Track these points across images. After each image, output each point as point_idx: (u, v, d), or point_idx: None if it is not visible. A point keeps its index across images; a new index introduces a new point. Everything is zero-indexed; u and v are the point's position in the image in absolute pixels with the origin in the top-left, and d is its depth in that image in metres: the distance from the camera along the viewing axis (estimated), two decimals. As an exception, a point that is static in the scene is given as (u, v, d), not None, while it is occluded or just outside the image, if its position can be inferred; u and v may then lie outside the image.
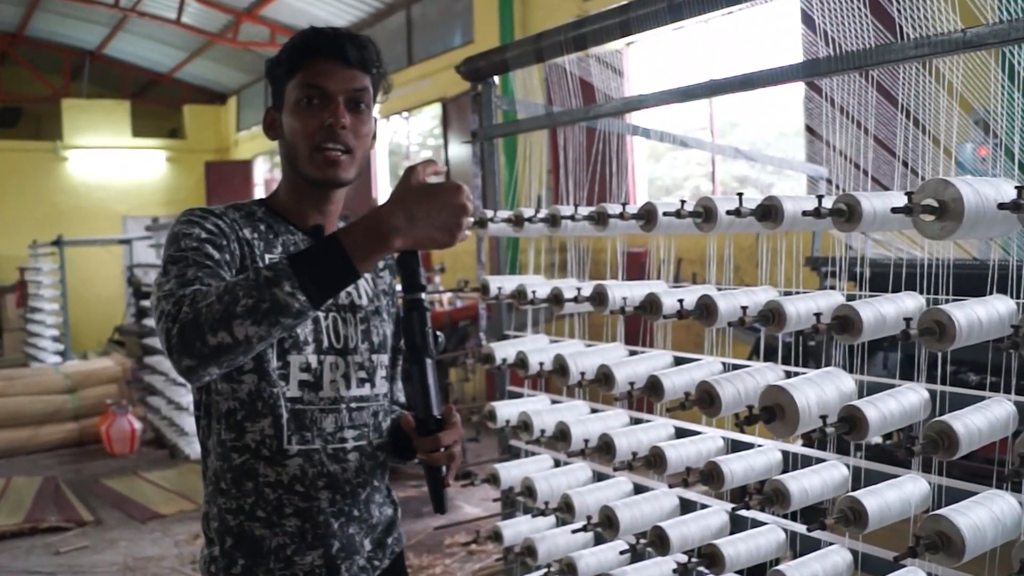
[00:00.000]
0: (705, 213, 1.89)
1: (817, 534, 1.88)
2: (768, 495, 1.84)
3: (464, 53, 3.52)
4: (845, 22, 2.04)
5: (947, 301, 1.67)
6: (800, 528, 2.00)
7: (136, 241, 11.88)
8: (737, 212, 1.80)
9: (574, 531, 2.24)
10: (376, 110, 1.78)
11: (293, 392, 1.70)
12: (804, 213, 1.69)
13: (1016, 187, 1.47)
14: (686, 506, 2.24)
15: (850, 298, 1.80)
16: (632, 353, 2.43)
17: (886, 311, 1.69)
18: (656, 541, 2.03)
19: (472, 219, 1.54)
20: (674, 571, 1.99)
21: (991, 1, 1.82)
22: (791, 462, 2.08)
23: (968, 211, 1.46)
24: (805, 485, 1.86)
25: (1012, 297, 1.70)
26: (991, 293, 1.70)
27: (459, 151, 11.04)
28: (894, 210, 1.53)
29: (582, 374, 2.28)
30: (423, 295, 1.63)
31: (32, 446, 8.19)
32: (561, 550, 2.37)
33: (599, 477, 2.51)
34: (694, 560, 1.95)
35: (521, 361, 2.49)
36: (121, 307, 14.24)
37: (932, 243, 1.80)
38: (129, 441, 8.08)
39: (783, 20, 6.01)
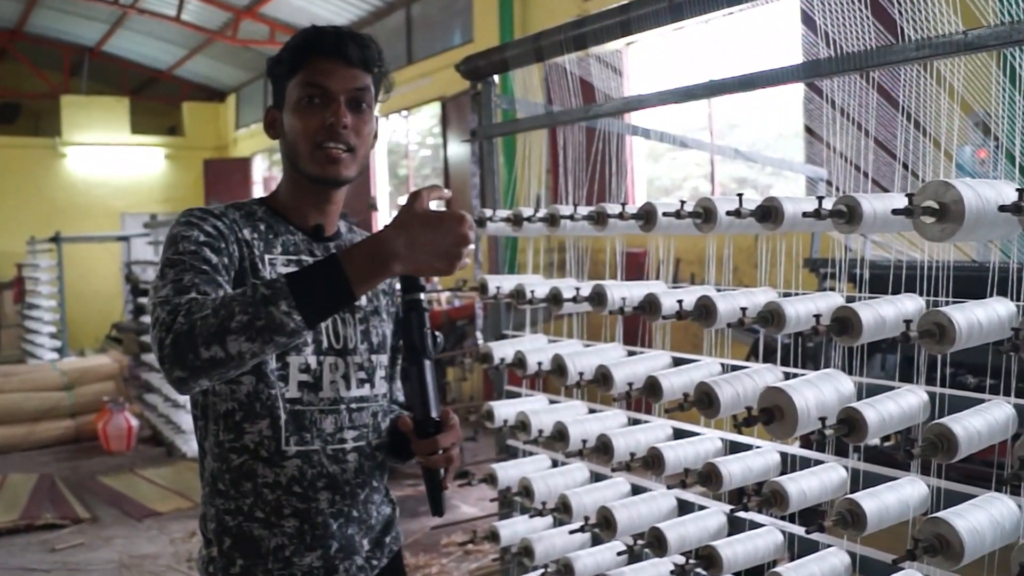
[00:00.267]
0: (705, 214, 1.88)
1: (815, 536, 1.88)
2: (766, 497, 1.84)
3: (464, 52, 3.52)
4: (846, 23, 2.03)
5: (947, 303, 1.66)
6: (798, 530, 2.00)
7: (134, 238, 11.87)
8: (737, 213, 1.79)
9: (571, 531, 2.23)
10: (376, 108, 1.77)
11: (292, 393, 1.69)
12: (804, 214, 1.69)
13: (1017, 189, 1.47)
14: (684, 507, 2.24)
15: (849, 300, 1.79)
16: (630, 353, 2.42)
17: (886, 313, 1.68)
18: (654, 542, 2.03)
19: (473, 247, 1.54)
20: (672, 572, 1.99)
21: (992, 3, 1.81)
22: (789, 464, 2.07)
23: (969, 213, 1.45)
24: (803, 487, 1.86)
25: (1012, 300, 1.69)
26: (991, 295, 1.70)
27: (458, 150, 11.03)
28: (895, 212, 1.53)
29: (580, 374, 2.28)
30: (422, 296, 1.63)
31: (28, 443, 8.18)
32: (558, 550, 2.37)
33: (597, 477, 2.50)
34: (692, 561, 1.95)
35: (519, 361, 2.48)
36: (119, 304, 14.22)
37: (931, 245, 1.80)
38: (126, 438, 8.07)
39: (783, 21, 6.00)
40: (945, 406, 1.75)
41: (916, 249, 2.95)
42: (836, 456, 1.99)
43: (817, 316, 1.71)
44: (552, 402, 2.71)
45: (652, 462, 2.10)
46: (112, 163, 17.76)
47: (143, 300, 8.74)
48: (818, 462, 2.00)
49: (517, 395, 2.84)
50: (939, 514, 1.55)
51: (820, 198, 1.66)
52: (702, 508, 2.19)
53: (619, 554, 2.20)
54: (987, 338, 1.61)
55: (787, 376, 2.02)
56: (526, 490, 2.42)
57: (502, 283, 2.59)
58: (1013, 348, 1.52)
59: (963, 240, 1.57)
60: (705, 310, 1.94)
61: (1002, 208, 1.47)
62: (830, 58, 1.96)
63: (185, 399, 7.27)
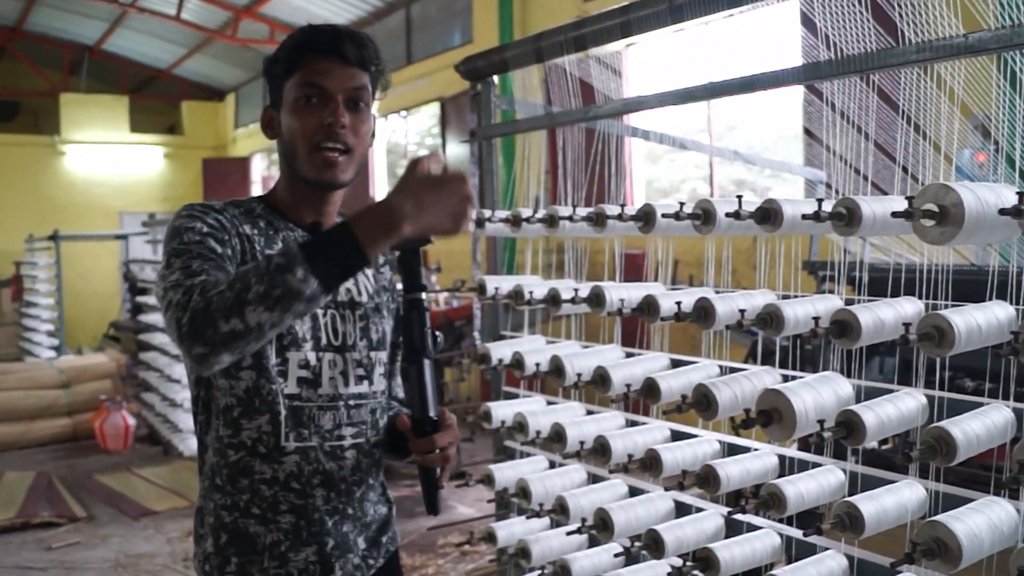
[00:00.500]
0: (704, 215, 1.88)
1: (813, 539, 1.88)
2: (764, 499, 1.84)
3: (463, 53, 3.51)
4: (846, 25, 2.03)
5: (946, 306, 1.66)
6: (796, 533, 2.00)
7: (133, 237, 11.85)
8: (736, 215, 1.79)
9: (568, 533, 2.23)
10: (375, 107, 1.77)
11: (292, 389, 1.69)
12: (804, 216, 1.69)
13: (1017, 193, 1.47)
14: (681, 509, 2.23)
15: (848, 302, 1.79)
16: (629, 355, 2.42)
17: (885, 316, 1.68)
18: (651, 544, 2.03)
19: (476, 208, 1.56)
20: (669, 574, 1.98)
21: (993, 6, 1.81)
22: (787, 466, 2.07)
23: (969, 216, 1.45)
24: (801, 489, 1.86)
25: (1011, 303, 1.69)
26: (990, 299, 1.69)
27: (457, 151, 11.03)
28: (894, 214, 1.52)
29: (578, 375, 2.27)
30: (423, 295, 1.62)
31: (25, 441, 8.16)
32: (555, 552, 2.36)
33: (594, 479, 2.50)
34: (689, 564, 1.94)
35: (517, 362, 2.48)
36: (117, 303, 14.22)
37: (930, 248, 1.80)
38: (123, 437, 8.06)
39: (783, 23, 6.00)
40: (944, 409, 1.75)
41: (915, 252, 2.95)
42: (834, 459, 1.99)
43: (816, 319, 1.70)
44: (550, 403, 2.70)
45: (650, 464, 2.10)
46: (111, 162, 17.75)
47: (141, 299, 8.73)
48: (816, 465, 2.00)
49: (515, 396, 2.84)
50: (937, 517, 1.55)
51: (820, 200, 1.66)
52: (700, 510, 2.19)
53: (616, 556, 2.20)
54: (986, 341, 1.61)
55: (785, 378, 2.02)
56: (523, 491, 2.41)
57: (500, 284, 2.59)
58: (1012, 352, 1.52)
59: (962, 243, 1.57)
60: (704, 312, 1.93)
61: (1002, 211, 1.47)
62: (830, 60, 1.96)
63: (182, 398, 7.27)
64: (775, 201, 1.77)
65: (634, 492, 2.37)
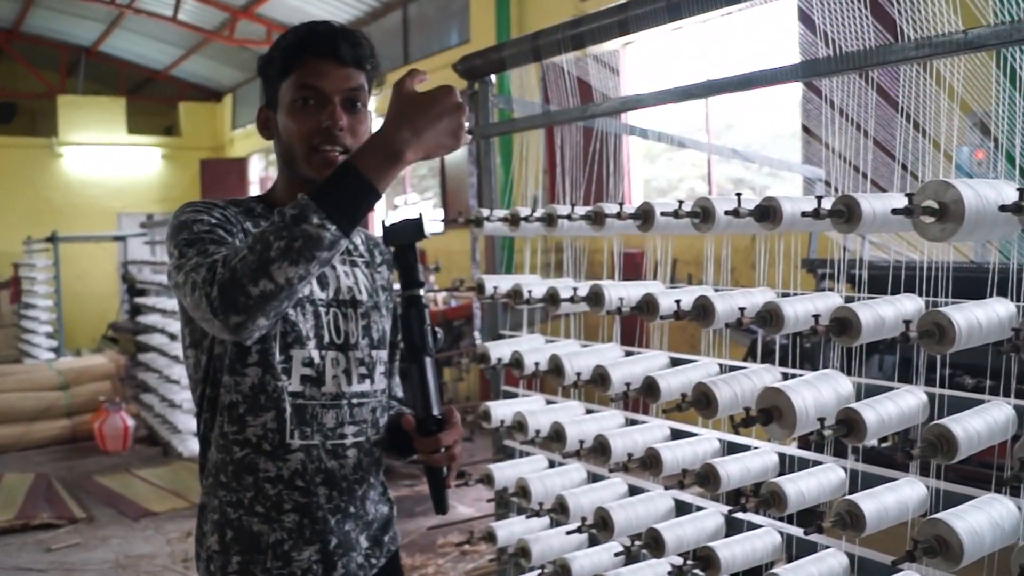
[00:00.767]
0: (703, 213, 1.87)
1: (814, 537, 1.87)
2: (764, 497, 1.83)
3: (460, 52, 3.51)
4: (844, 22, 2.03)
5: (946, 304, 1.66)
6: (796, 531, 1.99)
7: (131, 238, 11.86)
8: (735, 213, 1.79)
9: (568, 532, 2.22)
10: (372, 105, 1.76)
11: (295, 387, 1.69)
12: (803, 214, 1.68)
13: (1018, 189, 1.46)
14: (681, 508, 2.23)
15: (848, 300, 1.79)
16: (628, 354, 2.42)
17: (885, 313, 1.68)
18: (651, 543, 2.02)
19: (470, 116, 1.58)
20: (669, 573, 1.98)
21: (992, 2, 1.81)
22: (788, 464, 2.07)
23: (969, 213, 1.45)
24: (802, 488, 1.85)
25: (1012, 300, 1.69)
26: (990, 296, 1.69)
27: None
28: (894, 211, 1.52)
29: (578, 374, 2.27)
30: (421, 291, 1.62)
31: (24, 443, 8.16)
32: (555, 551, 2.36)
33: (594, 478, 2.50)
34: (689, 563, 1.94)
35: (516, 361, 2.48)
36: (115, 304, 14.22)
37: (929, 245, 1.80)
38: (122, 438, 8.05)
39: (781, 20, 6.00)
40: (944, 407, 1.74)
41: (914, 250, 2.95)
42: (835, 457, 1.98)
43: (816, 316, 1.70)
44: (549, 402, 2.70)
45: (650, 463, 2.09)
46: (108, 163, 17.74)
47: (140, 300, 8.73)
48: (816, 463, 1.99)
49: (514, 395, 2.83)
50: (938, 515, 1.55)
51: (819, 198, 1.65)
52: (700, 509, 2.18)
53: (616, 555, 2.20)
54: (986, 339, 1.60)
55: (785, 376, 2.01)
56: (523, 491, 2.41)
57: (499, 283, 2.58)
58: (1013, 349, 1.52)
59: (962, 240, 1.57)
60: (703, 310, 1.93)
61: (1003, 208, 1.46)
62: (828, 57, 1.96)
63: (181, 399, 7.25)
64: (774, 199, 1.77)
65: (634, 491, 2.36)
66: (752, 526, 2.07)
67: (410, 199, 13.13)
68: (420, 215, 1.63)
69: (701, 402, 1.88)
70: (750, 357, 4.55)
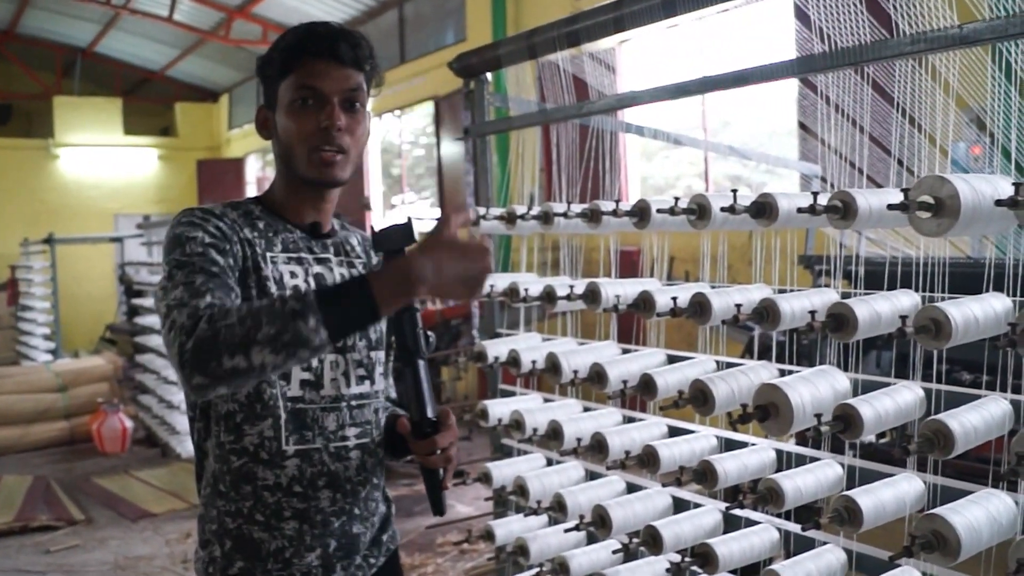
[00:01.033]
0: (699, 210, 1.87)
1: (811, 533, 1.87)
2: (762, 494, 1.83)
3: (457, 51, 3.50)
4: (840, 18, 2.02)
5: (942, 299, 1.66)
6: (794, 527, 1.99)
7: (128, 239, 11.82)
8: (731, 209, 1.79)
9: (566, 530, 2.22)
10: (369, 105, 1.76)
11: (294, 391, 1.68)
12: (799, 210, 1.68)
13: (1014, 184, 1.46)
14: (679, 505, 2.23)
15: (844, 296, 1.79)
16: (625, 351, 2.42)
17: (881, 309, 1.68)
18: (649, 540, 2.02)
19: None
20: (667, 570, 1.98)
21: (987, -3, 1.81)
22: (785, 461, 2.07)
23: (964, 208, 1.45)
24: (799, 484, 1.85)
25: (1008, 295, 1.69)
26: (987, 291, 1.69)
27: (451, 149, 11.02)
28: (890, 207, 1.52)
29: (575, 372, 2.27)
30: None
31: (23, 445, 8.14)
32: (553, 549, 2.36)
33: (592, 476, 2.50)
34: (687, 559, 1.94)
35: (513, 359, 2.48)
36: (112, 305, 14.20)
37: (925, 241, 1.80)
38: (120, 440, 8.04)
39: (777, 17, 6.00)
40: (941, 402, 1.74)
41: (910, 246, 2.95)
42: (832, 453, 1.99)
43: (812, 313, 1.70)
44: (547, 400, 2.70)
45: (647, 460, 2.09)
46: (105, 164, 17.71)
47: (137, 301, 8.72)
48: (813, 459, 1.99)
49: (511, 394, 2.83)
50: (936, 510, 1.55)
51: (815, 194, 1.65)
52: (697, 506, 2.18)
53: (614, 553, 2.20)
54: (983, 334, 1.61)
55: (782, 373, 2.01)
56: (521, 489, 2.41)
57: (496, 281, 2.58)
58: (1010, 344, 1.52)
59: (959, 235, 1.57)
60: (700, 307, 1.93)
61: (999, 203, 1.46)
62: (824, 53, 1.96)
63: (179, 400, 7.24)
64: (771, 195, 1.77)
65: (632, 488, 2.36)
66: (750, 523, 2.07)
67: (407, 198, 13.13)
68: (409, 219, 1.62)
69: (698, 399, 1.88)
70: (747, 354, 4.55)
